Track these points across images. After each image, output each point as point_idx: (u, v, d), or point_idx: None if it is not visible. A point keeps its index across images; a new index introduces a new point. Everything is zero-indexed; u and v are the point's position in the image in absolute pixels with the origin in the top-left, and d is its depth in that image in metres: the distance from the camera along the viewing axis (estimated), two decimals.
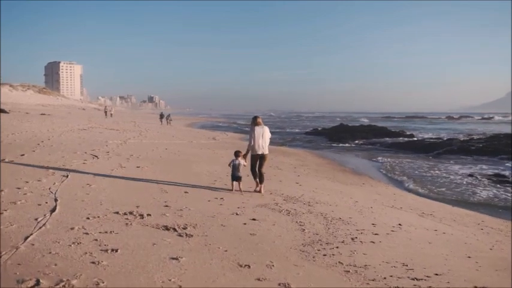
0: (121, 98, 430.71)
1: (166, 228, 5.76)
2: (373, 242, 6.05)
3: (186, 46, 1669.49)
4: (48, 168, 10.12)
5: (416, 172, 16.88)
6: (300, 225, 6.71)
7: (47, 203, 6.62)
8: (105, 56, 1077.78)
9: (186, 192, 8.54)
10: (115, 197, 7.52)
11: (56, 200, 6.79)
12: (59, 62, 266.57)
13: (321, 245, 5.70)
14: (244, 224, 6.44)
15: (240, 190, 9.04)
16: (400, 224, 7.48)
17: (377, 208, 9.10)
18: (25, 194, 7.15)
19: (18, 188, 7.54)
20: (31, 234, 4.97)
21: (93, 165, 11.22)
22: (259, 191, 9.19)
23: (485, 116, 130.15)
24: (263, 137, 9.34)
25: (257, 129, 9.35)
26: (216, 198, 8.24)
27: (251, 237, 5.76)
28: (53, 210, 6.17)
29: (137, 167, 11.55)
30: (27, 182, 8.19)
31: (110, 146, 16.73)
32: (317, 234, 6.26)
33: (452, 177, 15.67)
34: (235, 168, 9.11)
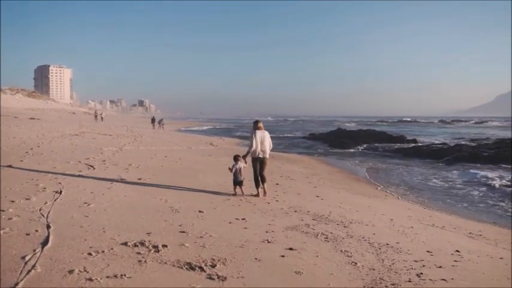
0: (111, 101, 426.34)
1: (191, 266, 4.53)
2: (445, 280, 4.88)
3: (177, 49, 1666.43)
4: (38, 181, 8.86)
5: (434, 182, 15.73)
6: (348, 256, 5.53)
7: (37, 231, 5.36)
8: (95, 60, 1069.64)
9: (200, 211, 7.32)
10: (119, 220, 6.28)
11: (48, 227, 5.53)
12: (49, 66, 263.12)
13: (386, 286, 4.52)
14: (282, 256, 5.24)
15: (242, 193, 9.23)
16: (457, 251, 6.33)
17: (418, 228, 7.94)
18: (10, 218, 5.88)
19: (3, 211, 6.27)
20: (16, 284, 3.72)
21: (89, 177, 9.95)
22: (257, 195, 9.24)
23: (478, 120, 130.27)
24: (264, 141, 9.32)
25: (258, 133, 9.33)
26: (237, 219, 7.03)
27: (298, 277, 4.56)
28: (45, 242, 4.91)
29: (139, 179, 10.32)
30: (13, 201, 6.91)
31: (106, 153, 15.44)
32: (373, 269, 5.07)
33: (476, 188, 14.46)
34: (237, 172, 9.24)
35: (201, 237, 5.73)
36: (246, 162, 9.46)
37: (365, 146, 32.73)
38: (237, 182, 9.27)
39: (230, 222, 6.75)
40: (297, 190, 10.97)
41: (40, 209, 6.47)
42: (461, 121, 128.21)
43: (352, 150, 30.22)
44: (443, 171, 18.69)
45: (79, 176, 10.07)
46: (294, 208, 8.39)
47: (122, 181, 9.81)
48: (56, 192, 7.89)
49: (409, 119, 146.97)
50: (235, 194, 9.21)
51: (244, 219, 7.05)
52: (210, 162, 15.77)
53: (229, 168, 9.46)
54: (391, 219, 8.47)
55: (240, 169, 9.28)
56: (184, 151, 19.67)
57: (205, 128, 70.16)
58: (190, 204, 7.85)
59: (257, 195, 9.23)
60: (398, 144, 33.77)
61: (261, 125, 9.50)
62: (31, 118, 42.15)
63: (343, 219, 7.86)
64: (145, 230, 5.84)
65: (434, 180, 16.06)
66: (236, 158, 9.46)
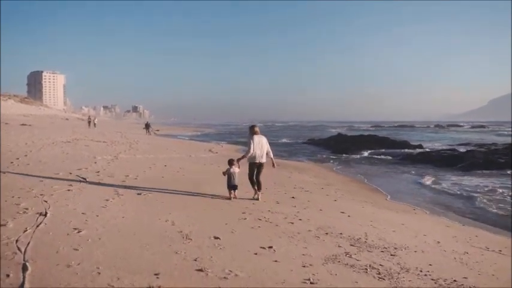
0: (105, 107, 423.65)
1: None
2: None
3: (170, 55, 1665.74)
4: (19, 199, 7.51)
5: (458, 192, 14.41)
6: None
7: (8, 276, 4.01)
8: (88, 66, 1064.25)
9: (216, 237, 6.01)
10: (118, 253, 4.95)
11: (24, 269, 4.18)
12: (42, 72, 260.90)
13: None
14: None
15: (235, 197, 9.20)
16: None
17: (474, 254, 6.68)
18: None
19: None
20: None
21: (80, 193, 8.61)
22: (257, 199, 9.33)
23: (475, 125, 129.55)
24: (261, 145, 9.37)
25: (255, 138, 9.40)
26: (263, 247, 5.73)
27: None
28: None
29: (138, 194, 8.99)
30: None
31: (99, 163, 14.09)
32: None
33: (508, 199, 13.18)
34: (230, 176, 9.16)
35: (225, 277, 4.42)
36: (239, 166, 9.36)
37: (369, 151, 31.47)
38: (231, 186, 9.19)
39: (256, 253, 5.44)
40: (317, 205, 9.68)
41: (17, 241, 5.10)
42: (458, 125, 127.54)
43: (356, 156, 28.94)
44: (464, 178, 17.46)
45: (69, 191, 8.72)
46: (323, 229, 7.12)
47: (119, 197, 8.48)
48: (40, 214, 6.52)
49: (404, 124, 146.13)
50: (230, 199, 9.12)
51: (271, 247, 5.75)
52: (213, 171, 14.41)
53: (223, 173, 9.40)
54: (438, 242, 7.19)
55: (234, 173, 9.18)
56: (185, 159, 18.34)
57: (199, 133, 68.82)
58: (202, 227, 6.54)
59: (255, 194, 9.43)
60: (403, 150, 32.50)
61: (257, 129, 9.59)
62: (22, 124, 40.72)
63: (384, 243, 6.60)
64: (152, 268, 4.52)
65: (458, 190, 14.79)
66: (230, 162, 9.36)
